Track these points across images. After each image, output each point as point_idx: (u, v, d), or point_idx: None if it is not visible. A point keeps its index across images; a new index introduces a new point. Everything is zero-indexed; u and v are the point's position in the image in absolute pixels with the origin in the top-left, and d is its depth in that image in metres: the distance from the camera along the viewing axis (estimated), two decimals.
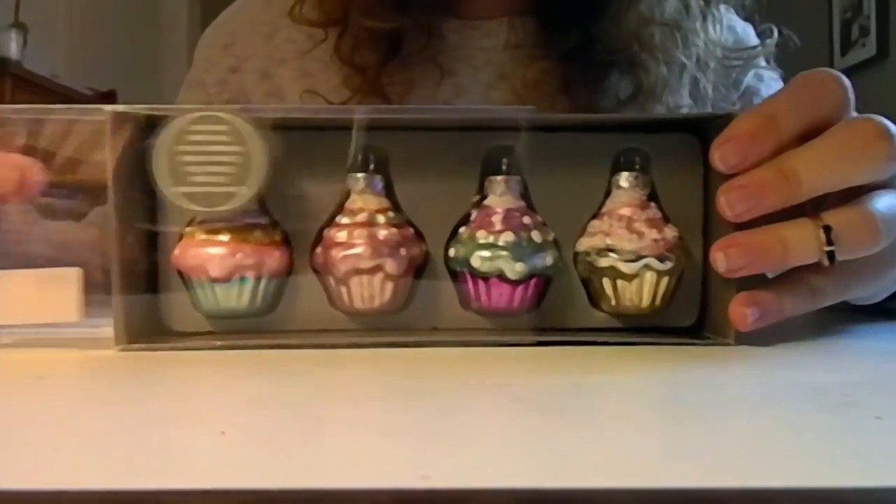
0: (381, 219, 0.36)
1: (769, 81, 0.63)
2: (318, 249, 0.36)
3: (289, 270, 0.37)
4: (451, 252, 0.36)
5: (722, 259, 0.33)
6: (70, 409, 0.23)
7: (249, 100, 0.61)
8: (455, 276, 0.37)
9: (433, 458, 0.18)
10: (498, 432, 0.20)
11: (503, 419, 0.21)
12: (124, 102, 0.36)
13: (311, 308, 0.37)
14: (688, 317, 0.38)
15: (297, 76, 0.59)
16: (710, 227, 0.37)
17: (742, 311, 0.33)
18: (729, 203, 0.33)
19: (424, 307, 0.37)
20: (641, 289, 0.36)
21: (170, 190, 0.34)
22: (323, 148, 0.38)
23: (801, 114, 0.34)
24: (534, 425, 0.21)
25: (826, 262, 0.32)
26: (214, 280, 0.35)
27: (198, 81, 0.64)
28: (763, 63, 0.62)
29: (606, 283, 0.36)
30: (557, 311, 0.38)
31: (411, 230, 0.37)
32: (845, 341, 0.37)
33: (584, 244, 0.37)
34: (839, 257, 0.33)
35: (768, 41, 0.60)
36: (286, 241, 0.37)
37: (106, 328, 0.34)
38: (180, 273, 0.36)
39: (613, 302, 0.36)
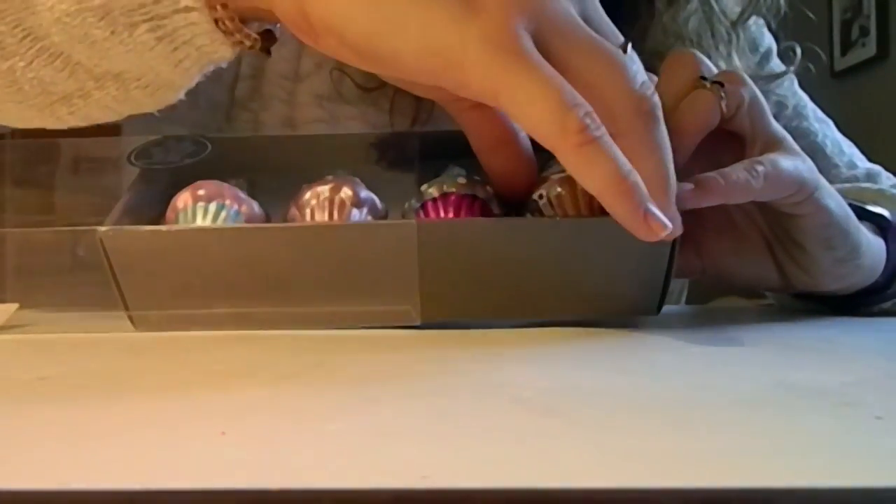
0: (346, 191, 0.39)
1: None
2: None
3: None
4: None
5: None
6: (70, 409, 0.23)
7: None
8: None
9: (433, 458, 0.18)
10: (498, 432, 0.20)
11: (503, 419, 0.21)
12: None
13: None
14: None
15: None
16: None
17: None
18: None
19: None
20: (576, 195, 0.37)
21: None
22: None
23: None
24: (534, 425, 0.21)
25: (723, 105, 0.38)
26: (198, 199, 0.38)
27: None
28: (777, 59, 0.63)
29: (545, 206, 0.38)
30: None
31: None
32: (844, 341, 0.37)
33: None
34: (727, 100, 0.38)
35: (791, 67, 0.61)
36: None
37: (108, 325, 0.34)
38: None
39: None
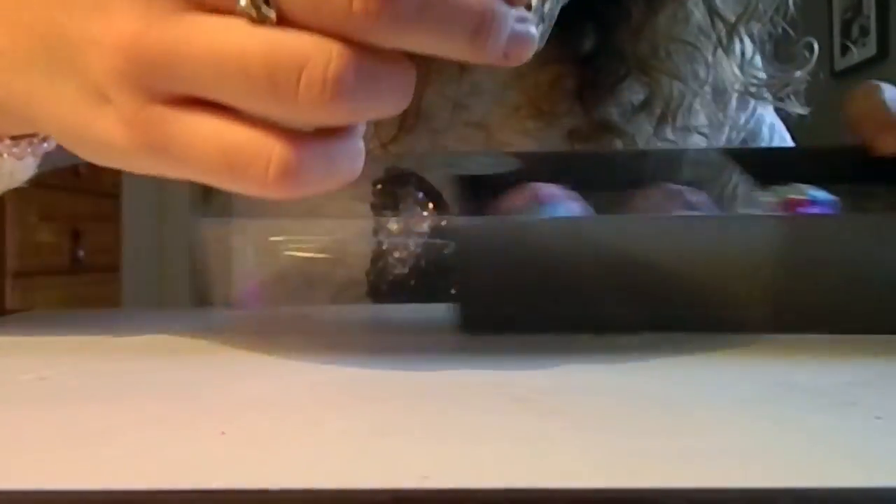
0: None
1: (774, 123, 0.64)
2: None
3: None
4: None
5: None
6: (70, 409, 0.23)
7: None
8: None
9: (433, 458, 0.18)
10: (498, 432, 0.20)
11: (503, 419, 0.21)
12: None
13: None
14: None
15: None
16: None
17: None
18: None
19: None
20: None
21: None
22: None
23: None
24: (534, 425, 0.21)
25: None
26: (536, 200, 0.37)
27: None
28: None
29: None
30: None
31: None
32: (844, 341, 0.37)
33: None
34: None
35: (797, 75, 0.60)
36: None
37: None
38: None
39: None
